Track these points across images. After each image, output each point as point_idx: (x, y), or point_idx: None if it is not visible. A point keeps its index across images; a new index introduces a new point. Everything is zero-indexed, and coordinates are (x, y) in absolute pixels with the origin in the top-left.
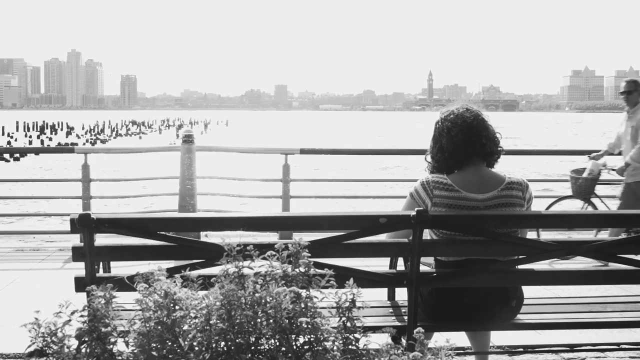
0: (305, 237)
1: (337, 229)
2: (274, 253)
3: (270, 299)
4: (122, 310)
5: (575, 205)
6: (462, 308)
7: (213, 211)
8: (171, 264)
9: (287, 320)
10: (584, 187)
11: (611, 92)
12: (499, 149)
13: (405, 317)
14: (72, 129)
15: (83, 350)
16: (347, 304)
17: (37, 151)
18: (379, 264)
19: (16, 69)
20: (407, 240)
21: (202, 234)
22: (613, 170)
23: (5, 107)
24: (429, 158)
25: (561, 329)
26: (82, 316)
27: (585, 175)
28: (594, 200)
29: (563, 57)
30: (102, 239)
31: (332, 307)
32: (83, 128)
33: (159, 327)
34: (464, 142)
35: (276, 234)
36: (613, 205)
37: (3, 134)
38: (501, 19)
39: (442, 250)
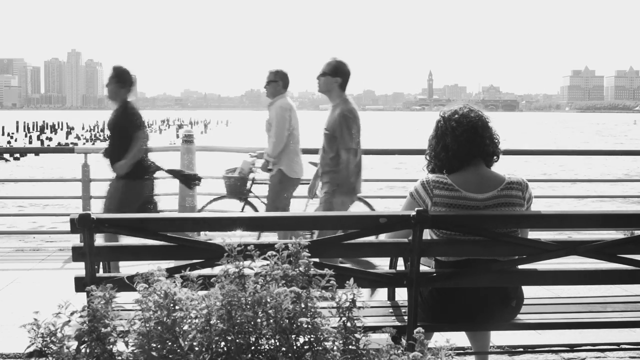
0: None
1: (337, 229)
2: (274, 253)
3: (271, 299)
4: (122, 310)
5: (231, 205)
6: (462, 308)
7: (213, 211)
8: (171, 264)
9: (287, 321)
10: (235, 186)
11: (611, 92)
12: (498, 149)
13: (405, 317)
14: (72, 129)
15: (83, 351)
16: (347, 304)
17: (37, 151)
18: (379, 264)
19: (16, 69)
20: (407, 240)
21: (202, 233)
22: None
23: (5, 107)
24: (429, 157)
25: (561, 329)
26: (81, 316)
27: (236, 174)
28: (252, 199)
29: (563, 57)
30: (102, 239)
31: (332, 307)
32: (83, 128)
33: (159, 328)
34: (469, 142)
35: (276, 234)
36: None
37: (3, 134)
38: (501, 19)
39: (442, 250)
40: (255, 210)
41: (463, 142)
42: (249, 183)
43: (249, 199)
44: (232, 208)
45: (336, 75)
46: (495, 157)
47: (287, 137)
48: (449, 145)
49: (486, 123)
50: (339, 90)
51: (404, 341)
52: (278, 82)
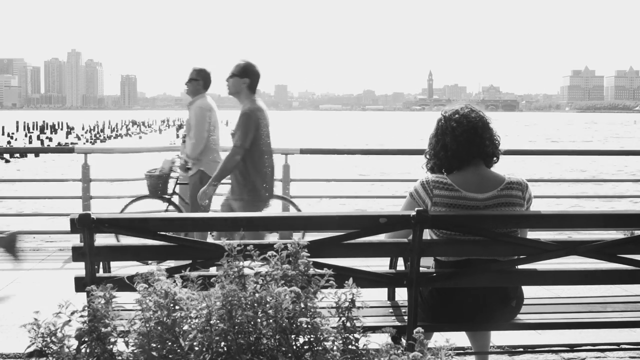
0: (306, 237)
1: (337, 229)
2: (274, 253)
3: (271, 299)
4: (122, 310)
5: (154, 205)
6: (462, 308)
7: (214, 211)
8: (171, 264)
9: (287, 320)
10: (157, 186)
11: (611, 92)
12: (498, 151)
13: (405, 317)
14: (72, 129)
15: (83, 351)
16: (347, 304)
17: (37, 151)
18: (379, 264)
19: (16, 69)
20: (407, 240)
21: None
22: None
23: (5, 107)
24: (428, 155)
25: (561, 329)
26: (82, 316)
27: (157, 173)
28: (175, 199)
29: (563, 57)
30: (102, 239)
31: (332, 307)
32: (83, 128)
33: (159, 328)
34: (468, 142)
35: (276, 234)
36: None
37: (3, 134)
38: (501, 19)
39: (442, 250)
40: (179, 210)
41: (462, 142)
42: (171, 183)
43: (172, 199)
44: (154, 208)
45: (244, 76)
46: (495, 158)
47: (207, 138)
48: (448, 145)
49: (487, 124)
50: (247, 92)
51: (404, 341)
52: (199, 81)
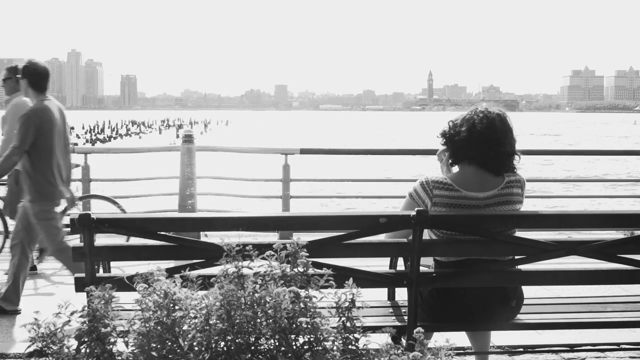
0: (306, 237)
1: (337, 229)
2: (272, 253)
3: (270, 299)
4: (121, 310)
5: None
6: (462, 308)
7: (213, 211)
8: (171, 264)
9: (286, 320)
10: None
11: (611, 92)
12: (506, 162)
13: (405, 317)
14: (72, 128)
15: (83, 351)
16: (347, 304)
17: None
18: (379, 264)
19: None
20: (407, 240)
21: (202, 234)
22: None
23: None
24: (446, 143)
25: (561, 329)
26: (81, 316)
27: None
28: None
29: (563, 57)
30: (102, 239)
31: (332, 307)
32: (83, 128)
33: (159, 327)
34: (466, 144)
35: (276, 234)
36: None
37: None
38: (501, 19)
39: (442, 250)
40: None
41: (461, 141)
42: None
43: None
44: None
45: (23, 77)
46: (502, 166)
47: None
48: (451, 138)
49: (492, 134)
50: (33, 92)
51: (404, 341)
52: (13, 78)
